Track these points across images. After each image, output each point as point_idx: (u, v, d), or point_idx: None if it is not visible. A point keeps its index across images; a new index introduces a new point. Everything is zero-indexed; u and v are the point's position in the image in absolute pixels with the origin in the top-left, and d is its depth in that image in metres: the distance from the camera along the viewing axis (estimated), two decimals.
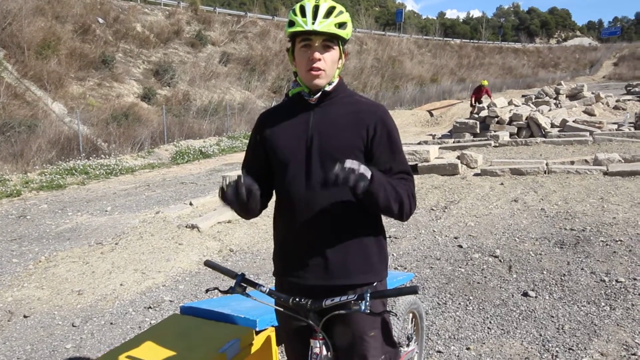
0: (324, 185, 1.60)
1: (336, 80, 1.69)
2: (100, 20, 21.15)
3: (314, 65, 1.59)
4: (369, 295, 1.51)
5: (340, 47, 1.64)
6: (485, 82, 18.11)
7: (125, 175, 11.69)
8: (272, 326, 2.44)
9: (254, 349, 2.31)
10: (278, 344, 2.55)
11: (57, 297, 4.45)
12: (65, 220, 7.35)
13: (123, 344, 2.30)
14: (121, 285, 4.62)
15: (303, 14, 1.56)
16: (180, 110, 18.05)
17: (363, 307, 1.49)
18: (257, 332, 2.37)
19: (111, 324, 3.88)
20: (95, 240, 6.02)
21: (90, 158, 12.73)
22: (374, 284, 1.71)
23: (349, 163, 1.43)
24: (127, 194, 9.32)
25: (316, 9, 1.55)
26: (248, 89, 23.79)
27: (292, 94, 1.70)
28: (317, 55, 1.58)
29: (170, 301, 4.24)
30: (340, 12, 1.59)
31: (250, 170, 1.77)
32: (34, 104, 14.53)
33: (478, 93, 17.65)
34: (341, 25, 1.59)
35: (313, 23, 1.54)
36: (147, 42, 22.16)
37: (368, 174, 1.46)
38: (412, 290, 1.51)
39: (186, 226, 6.14)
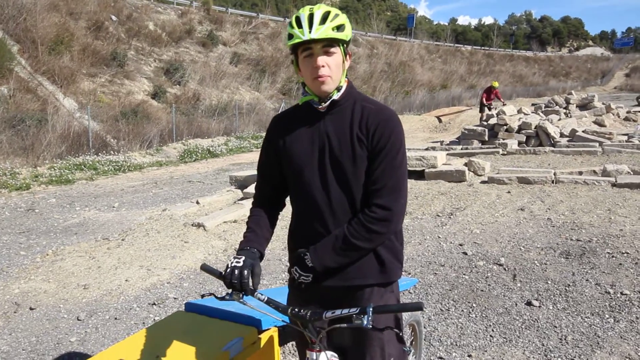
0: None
1: (344, 85, 1.68)
2: (114, 18, 21.33)
3: (319, 72, 1.59)
4: (371, 309, 1.46)
5: (342, 49, 1.63)
6: (496, 84, 18.03)
7: (133, 172, 11.78)
8: (276, 326, 2.46)
9: (256, 348, 2.33)
10: (281, 344, 2.56)
11: (63, 290, 4.49)
12: (73, 214, 7.41)
13: (127, 338, 2.32)
14: (126, 281, 4.66)
15: (299, 25, 1.56)
16: (189, 109, 18.14)
17: (365, 322, 1.43)
18: (261, 332, 2.39)
19: (115, 319, 3.92)
20: (102, 236, 6.07)
21: (99, 154, 12.83)
22: (387, 284, 1.75)
23: (297, 271, 1.68)
24: (135, 190, 9.38)
25: (311, 17, 1.56)
26: (258, 89, 23.87)
27: (302, 102, 1.71)
28: (319, 62, 1.58)
29: (175, 298, 4.27)
30: (336, 15, 1.59)
31: (265, 173, 1.83)
32: (46, 98, 14.68)
33: (488, 94, 17.56)
34: (339, 28, 1.58)
35: (310, 32, 1.54)
36: (159, 41, 22.31)
37: (308, 277, 1.67)
38: (417, 307, 1.45)
39: (192, 224, 6.17)
